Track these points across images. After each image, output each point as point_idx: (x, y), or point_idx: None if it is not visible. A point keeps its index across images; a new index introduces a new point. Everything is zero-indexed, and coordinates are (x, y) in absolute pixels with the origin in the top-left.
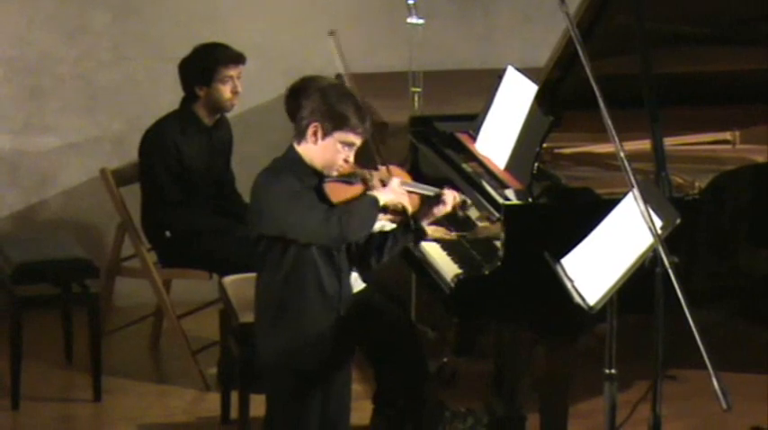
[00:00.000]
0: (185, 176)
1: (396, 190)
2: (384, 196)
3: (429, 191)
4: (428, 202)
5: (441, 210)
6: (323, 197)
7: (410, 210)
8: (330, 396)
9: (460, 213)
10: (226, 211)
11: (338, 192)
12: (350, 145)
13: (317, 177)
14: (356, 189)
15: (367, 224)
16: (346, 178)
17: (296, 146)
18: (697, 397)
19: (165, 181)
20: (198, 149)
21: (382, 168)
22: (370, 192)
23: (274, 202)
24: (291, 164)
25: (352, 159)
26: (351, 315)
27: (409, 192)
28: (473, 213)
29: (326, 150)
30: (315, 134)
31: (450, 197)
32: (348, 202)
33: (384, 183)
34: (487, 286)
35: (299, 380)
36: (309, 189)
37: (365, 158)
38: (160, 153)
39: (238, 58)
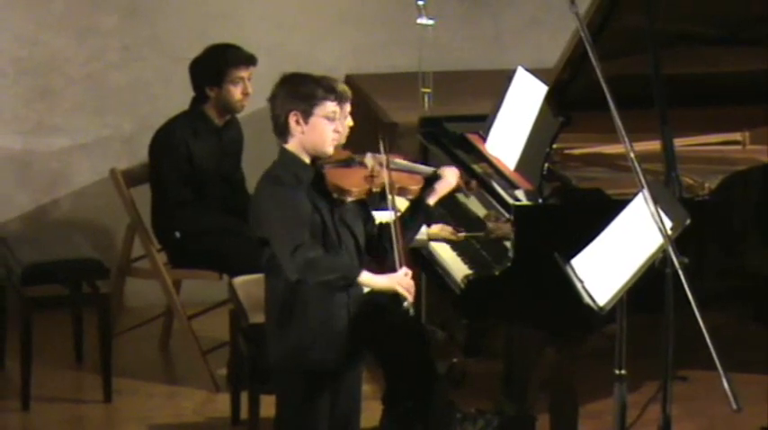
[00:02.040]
0: (195, 177)
1: (395, 279)
2: (374, 280)
3: (429, 170)
4: (430, 181)
5: (445, 187)
6: (324, 184)
7: (409, 298)
8: (340, 396)
9: (467, 193)
10: (236, 212)
11: (339, 176)
12: (333, 115)
13: (313, 168)
14: (356, 172)
15: (329, 282)
16: (344, 163)
17: (285, 146)
18: (707, 397)
19: (175, 181)
20: (208, 150)
21: (380, 155)
22: (362, 275)
23: (266, 211)
24: (285, 165)
25: (341, 128)
26: (360, 315)
27: (409, 171)
28: (480, 211)
29: (314, 131)
30: (297, 122)
31: (451, 173)
32: (333, 260)
33: (384, 165)
34: (497, 287)
35: (309, 381)
36: (302, 198)
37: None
38: (170, 153)
39: (249, 60)
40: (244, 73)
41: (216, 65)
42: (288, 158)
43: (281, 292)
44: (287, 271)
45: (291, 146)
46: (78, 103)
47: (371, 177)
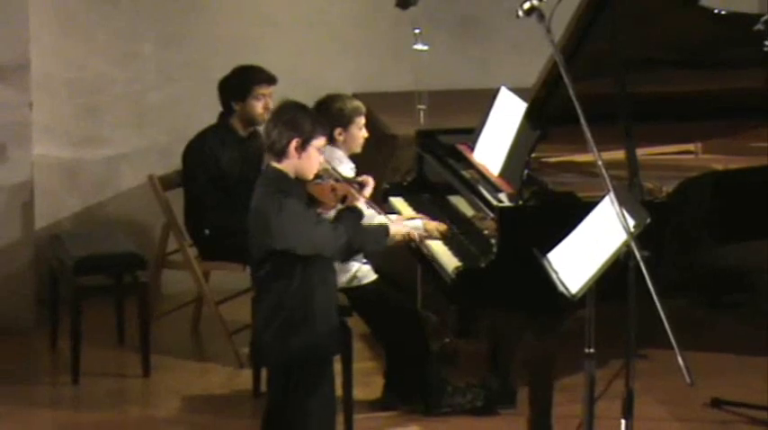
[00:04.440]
0: (222, 181)
1: (407, 225)
2: (398, 229)
3: (357, 179)
4: (357, 188)
5: (366, 192)
6: (312, 198)
7: (415, 236)
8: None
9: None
10: None
11: (319, 191)
12: (323, 148)
13: (300, 186)
14: (324, 187)
15: (375, 240)
16: (317, 180)
17: (276, 165)
18: (665, 373)
19: (205, 185)
20: (234, 157)
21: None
22: (391, 227)
23: (290, 221)
24: (281, 182)
25: (322, 160)
26: (364, 303)
27: (348, 182)
28: (468, 211)
29: (310, 159)
30: (297, 149)
31: (371, 180)
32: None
33: (335, 179)
34: (483, 277)
35: (313, 372)
36: (305, 202)
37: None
38: (201, 161)
39: (271, 80)
40: (265, 90)
41: (242, 82)
42: (281, 176)
43: (287, 300)
44: (333, 248)
45: (284, 166)
46: (121, 119)
47: (334, 190)
